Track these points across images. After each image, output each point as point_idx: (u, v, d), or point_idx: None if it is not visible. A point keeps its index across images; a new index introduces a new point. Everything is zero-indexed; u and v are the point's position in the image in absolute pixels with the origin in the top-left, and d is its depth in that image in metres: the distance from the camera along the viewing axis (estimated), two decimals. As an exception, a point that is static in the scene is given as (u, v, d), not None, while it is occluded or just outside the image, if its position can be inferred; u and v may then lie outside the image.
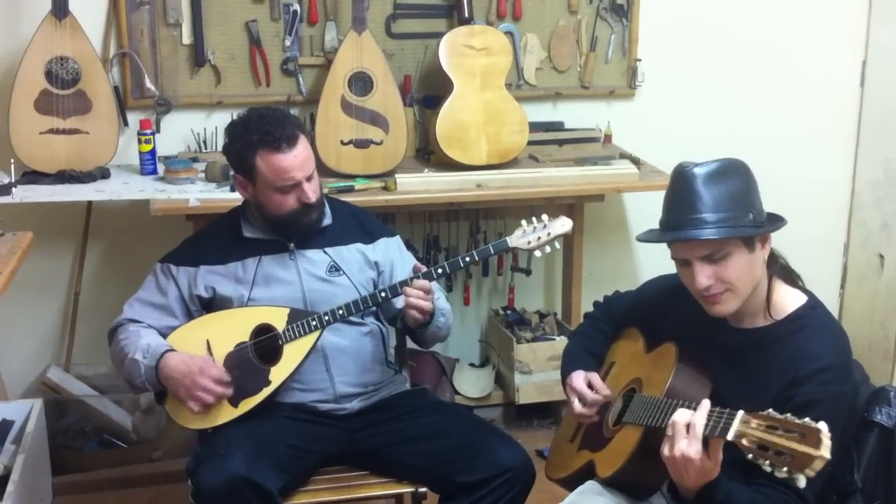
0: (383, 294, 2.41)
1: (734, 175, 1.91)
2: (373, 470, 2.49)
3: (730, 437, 1.64)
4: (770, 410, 1.62)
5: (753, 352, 1.95)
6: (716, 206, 1.86)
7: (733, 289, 1.90)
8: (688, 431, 1.71)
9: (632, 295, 2.38)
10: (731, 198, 1.88)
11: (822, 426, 1.54)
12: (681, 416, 1.74)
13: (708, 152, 2.03)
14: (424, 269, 2.40)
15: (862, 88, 3.87)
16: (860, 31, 3.84)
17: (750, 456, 1.60)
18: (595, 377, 2.21)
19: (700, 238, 1.86)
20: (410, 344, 2.81)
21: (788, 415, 1.59)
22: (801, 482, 1.55)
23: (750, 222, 1.89)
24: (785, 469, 1.55)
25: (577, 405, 2.19)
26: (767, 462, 1.57)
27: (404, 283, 2.37)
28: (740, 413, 1.66)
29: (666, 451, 1.76)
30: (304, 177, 2.39)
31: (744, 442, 1.61)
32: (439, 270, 2.40)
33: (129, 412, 3.35)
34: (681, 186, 1.91)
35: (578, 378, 2.21)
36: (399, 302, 2.45)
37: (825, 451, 1.52)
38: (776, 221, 1.96)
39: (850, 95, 3.90)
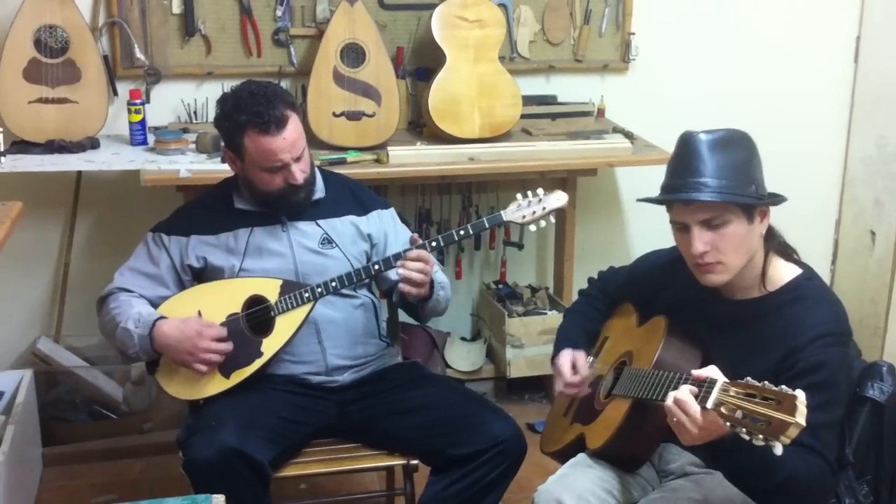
0: (376, 266, 2.41)
1: (739, 145, 1.91)
2: (364, 442, 2.49)
3: (709, 405, 1.65)
4: (748, 379, 1.63)
5: (749, 322, 1.95)
6: (719, 173, 1.86)
7: (726, 260, 1.90)
8: (681, 408, 1.70)
9: (626, 270, 2.38)
10: (735, 166, 1.88)
11: (799, 393, 1.55)
12: (670, 398, 1.72)
13: (701, 127, 2.01)
14: (420, 240, 2.38)
15: (856, 64, 3.86)
16: (854, 7, 3.83)
17: (728, 424, 1.61)
18: (581, 357, 2.21)
19: (701, 199, 1.86)
20: (402, 317, 2.81)
21: (766, 382, 1.59)
22: (778, 449, 1.55)
23: (752, 193, 1.89)
24: (761, 436, 1.55)
25: (557, 385, 2.21)
26: (745, 430, 1.57)
27: (398, 256, 2.36)
28: (719, 382, 1.66)
29: (682, 438, 1.74)
30: (291, 158, 2.37)
31: (723, 410, 1.62)
32: (433, 243, 2.39)
33: (120, 383, 3.35)
34: (686, 151, 1.91)
35: (565, 358, 2.21)
36: (394, 274, 2.44)
37: (801, 417, 1.52)
38: (776, 197, 1.95)
39: (843, 71, 3.89)
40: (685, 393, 1.70)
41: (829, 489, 1.84)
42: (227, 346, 2.35)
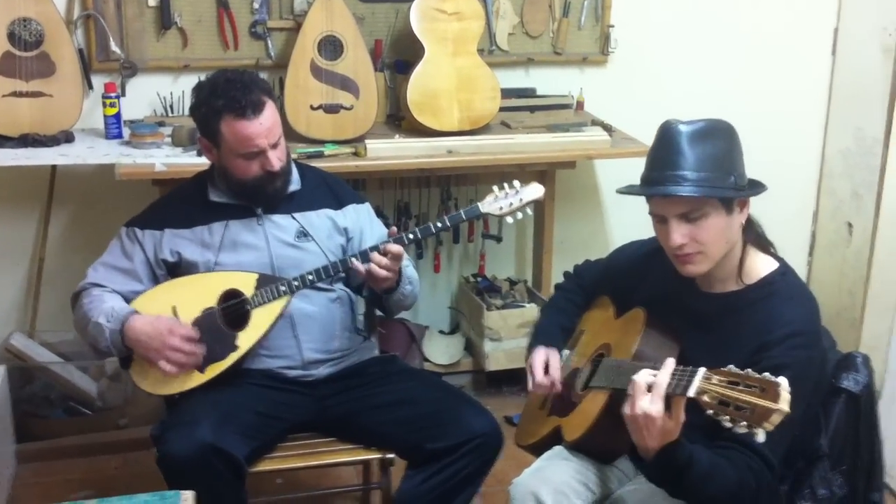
0: (354, 259, 2.39)
1: (719, 136, 1.91)
2: (341, 437, 2.48)
3: (691, 393, 1.64)
4: (731, 366, 1.62)
5: (723, 317, 1.95)
6: (698, 165, 1.86)
7: (706, 251, 1.90)
8: (650, 391, 1.71)
9: (602, 263, 2.38)
10: (715, 158, 1.87)
11: (782, 380, 1.55)
12: (642, 375, 1.74)
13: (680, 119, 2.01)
14: (398, 234, 2.37)
15: (833, 56, 3.86)
16: (832, -1, 3.84)
17: (710, 412, 1.60)
18: (554, 358, 2.22)
19: (678, 194, 1.85)
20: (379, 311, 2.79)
21: (749, 370, 1.59)
22: (761, 436, 1.55)
23: (731, 185, 1.88)
24: (744, 423, 1.55)
25: (529, 383, 2.21)
26: (728, 418, 1.57)
27: (374, 248, 2.35)
28: (701, 370, 1.66)
29: (627, 410, 1.75)
30: (268, 144, 2.35)
31: (705, 398, 1.61)
32: (410, 236, 2.38)
33: (95, 379, 3.32)
34: (665, 143, 1.90)
35: (538, 357, 2.22)
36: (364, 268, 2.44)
37: (784, 404, 1.53)
38: (756, 187, 1.95)
39: (821, 63, 3.89)
40: (658, 375, 1.71)
41: (763, 492, 1.83)
42: (197, 349, 2.33)
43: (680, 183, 1.85)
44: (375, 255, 2.32)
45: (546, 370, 2.20)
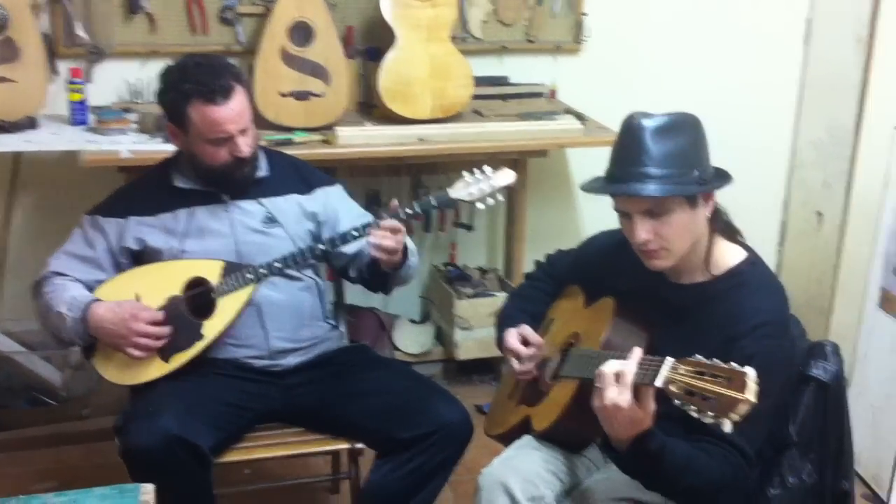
0: (322, 247, 2.38)
1: (683, 130, 1.89)
2: (309, 427, 2.45)
3: (658, 383, 1.63)
4: (697, 356, 1.61)
5: (693, 308, 1.94)
6: (662, 162, 1.84)
7: (670, 246, 1.89)
8: (617, 380, 1.70)
9: (573, 252, 2.36)
10: (678, 154, 1.85)
11: (749, 370, 1.54)
12: (609, 366, 1.72)
13: (652, 109, 1.99)
14: (400, 210, 2.34)
15: (806, 46, 3.87)
16: (805, -12, 3.84)
17: (677, 402, 1.59)
18: (527, 330, 2.19)
19: (641, 194, 1.84)
20: (350, 299, 2.77)
21: (715, 360, 1.58)
22: (727, 427, 1.54)
23: (695, 179, 1.86)
24: (711, 414, 1.54)
25: (515, 364, 2.18)
26: (694, 408, 1.56)
27: (368, 226, 2.32)
28: (669, 359, 1.64)
29: (596, 401, 1.74)
30: (237, 130, 2.32)
31: (672, 388, 1.60)
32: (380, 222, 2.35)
33: (59, 369, 3.28)
34: (629, 139, 1.88)
35: (511, 336, 2.19)
36: (351, 249, 2.42)
37: (750, 394, 1.52)
38: (721, 178, 1.94)
39: (794, 54, 3.89)
40: (625, 365, 1.70)
41: (741, 485, 1.83)
42: (163, 331, 2.30)
43: (643, 181, 1.84)
44: (379, 233, 2.29)
45: (525, 344, 2.17)
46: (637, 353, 1.72)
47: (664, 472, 1.77)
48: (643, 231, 1.87)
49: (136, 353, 2.28)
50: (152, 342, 2.29)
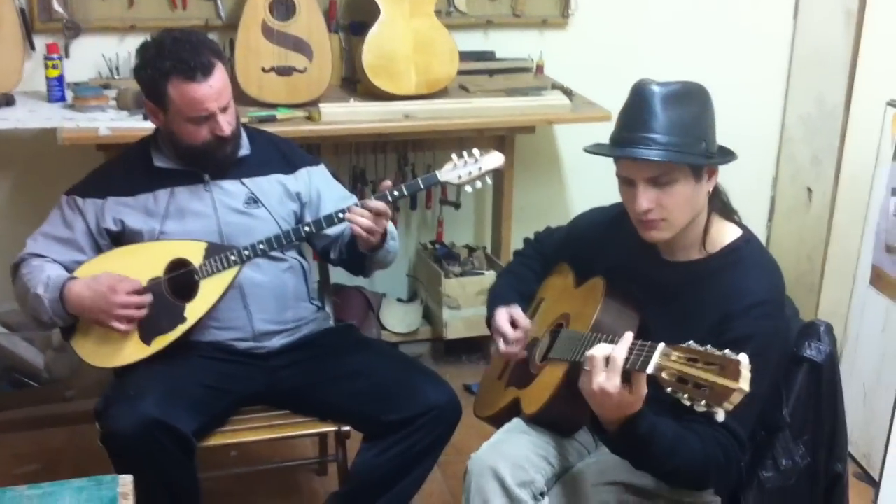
0: (307, 228, 2.33)
1: (693, 100, 1.85)
2: (294, 409, 2.42)
3: (649, 370, 1.60)
4: (691, 342, 1.58)
5: (686, 287, 1.91)
6: (669, 129, 1.80)
7: (671, 217, 1.85)
8: (607, 365, 1.67)
9: (563, 230, 2.33)
10: (687, 123, 1.81)
11: (743, 357, 1.50)
12: (599, 349, 1.69)
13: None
14: (390, 189, 2.30)
15: (795, 21, 3.83)
16: (794, -38, 3.80)
17: (669, 390, 1.56)
18: (517, 311, 2.15)
19: (648, 157, 1.79)
20: (336, 278, 2.72)
21: (709, 346, 1.55)
22: (720, 416, 1.51)
23: (702, 151, 1.83)
24: (703, 402, 1.51)
25: (501, 345, 2.14)
26: (686, 396, 1.53)
27: (346, 211, 2.28)
28: (660, 346, 1.61)
29: (584, 385, 1.71)
30: (218, 108, 2.27)
31: (663, 375, 1.57)
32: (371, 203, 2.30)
33: (41, 350, 3.24)
34: (637, 103, 1.83)
35: (501, 315, 2.15)
36: (333, 231, 2.39)
37: (744, 383, 1.49)
38: (727, 155, 1.90)
39: (782, 28, 3.85)
40: (614, 349, 1.67)
41: (732, 467, 1.81)
42: (145, 299, 2.26)
43: (650, 146, 1.79)
44: (359, 210, 2.25)
45: (514, 326, 2.13)
46: (628, 337, 1.69)
47: (652, 454, 1.75)
48: (645, 199, 1.83)
49: (120, 325, 2.23)
50: (135, 312, 2.24)
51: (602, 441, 1.92)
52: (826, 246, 3.58)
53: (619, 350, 1.67)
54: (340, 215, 2.31)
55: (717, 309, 1.83)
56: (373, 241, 2.31)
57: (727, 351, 1.52)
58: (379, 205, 2.27)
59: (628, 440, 1.74)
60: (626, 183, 1.87)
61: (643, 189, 1.83)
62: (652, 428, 1.73)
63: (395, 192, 2.30)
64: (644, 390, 1.68)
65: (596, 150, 1.90)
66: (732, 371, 1.49)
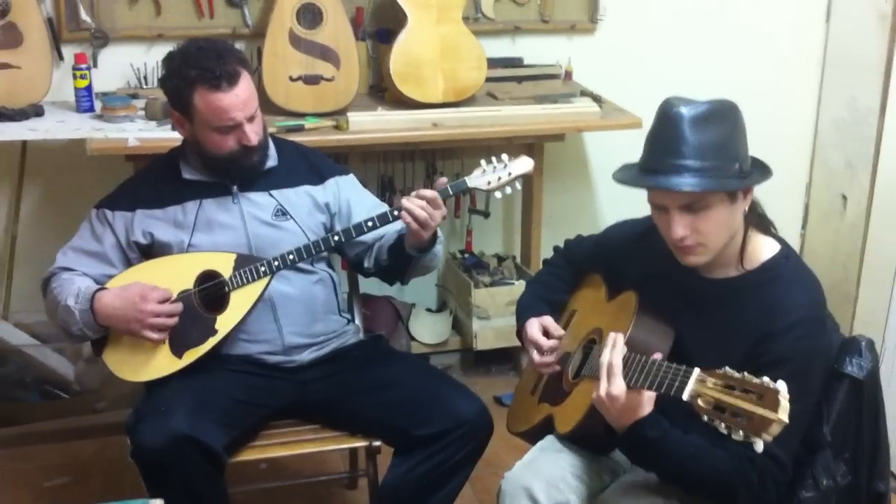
0: (336, 238, 2.31)
1: (723, 120, 1.78)
2: (324, 423, 2.40)
3: (685, 396, 1.58)
4: (727, 368, 1.55)
5: (723, 303, 1.86)
6: (701, 154, 1.74)
7: (707, 242, 1.80)
8: (609, 373, 1.73)
9: (594, 239, 2.28)
10: (718, 145, 1.76)
11: (781, 386, 1.47)
12: (604, 356, 1.76)
13: (670, 89, 1.92)
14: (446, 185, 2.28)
15: (827, 24, 3.77)
16: (826, -35, 3.74)
17: (705, 418, 1.54)
18: (549, 320, 2.13)
19: (681, 189, 1.74)
20: (364, 288, 2.70)
21: (745, 373, 1.51)
22: (759, 446, 1.48)
23: (735, 172, 1.78)
24: (741, 432, 1.48)
25: (535, 356, 2.11)
26: (723, 424, 1.50)
27: (383, 216, 2.26)
28: (696, 371, 1.58)
29: (593, 394, 1.76)
30: (245, 117, 2.25)
31: (700, 403, 1.54)
32: (396, 212, 2.27)
33: (72, 361, 3.24)
34: (665, 127, 1.78)
35: (533, 326, 2.12)
36: (368, 238, 2.38)
37: (783, 413, 1.45)
38: (761, 170, 1.85)
39: (815, 31, 3.80)
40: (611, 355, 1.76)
41: (770, 489, 1.76)
42: (176, 307, 2.25)
43: (682, 173, 1.74)
44: (414, 201, 2.22)
45: (546, 335, 2.11)
46: (619, 340, 1.77)
47: (664, 458, 1.78)
48: (680, 227, 1.78)
49: (152, 334, 2.23)
50: (166, 320, 2.23)
51: (617, 446, 1.93)
52: (862, 254, 3.52)
53: (615, 357, 1.74)
54: (370, 223, 2.29)
55: (755, 327, 1.79)
56: (424, 237, 2.27)
57: (765, 378, 1.48)
58: (434, 194, 2.23)
59: (636, 444, 1.78)
60: (659, 210, 1.83)
61: (678, 216, 1.78)
62: (663, 434, 1.75)
63: (395, 212, 2.27)
64: (652, 393, 1.71)
65: (626, 179, 1.85)
66: (771, 400, 1.46)
